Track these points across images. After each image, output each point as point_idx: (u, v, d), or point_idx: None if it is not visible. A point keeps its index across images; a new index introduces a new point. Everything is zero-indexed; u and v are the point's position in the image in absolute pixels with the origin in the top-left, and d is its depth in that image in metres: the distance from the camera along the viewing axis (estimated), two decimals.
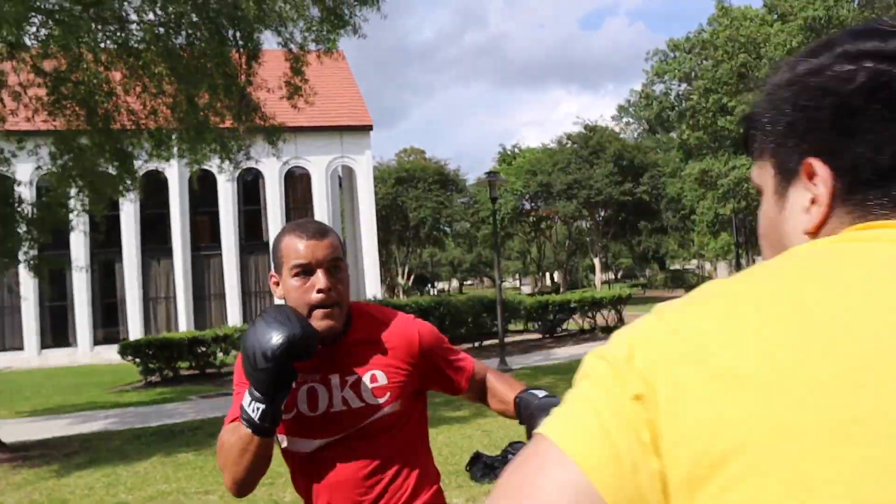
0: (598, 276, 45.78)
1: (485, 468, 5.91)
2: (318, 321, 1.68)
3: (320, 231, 1.74)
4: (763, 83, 0.74)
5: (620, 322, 18.80)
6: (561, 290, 42.46)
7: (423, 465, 1.86)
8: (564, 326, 20.02)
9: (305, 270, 1.69)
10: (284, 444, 1.81)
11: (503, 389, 1.91)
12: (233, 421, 1.68)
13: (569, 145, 41.11)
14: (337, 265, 1.72)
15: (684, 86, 23.27)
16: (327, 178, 24.17)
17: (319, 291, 1.68)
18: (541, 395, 1.81)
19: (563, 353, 16.00)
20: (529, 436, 1.60)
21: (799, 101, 0.66)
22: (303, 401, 1.75)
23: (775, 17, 20.99)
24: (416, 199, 38.33)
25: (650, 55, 23.98)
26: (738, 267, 37.83)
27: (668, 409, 0.53)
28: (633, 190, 38.58)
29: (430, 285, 54.91)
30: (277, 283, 1.78)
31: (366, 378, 1.75)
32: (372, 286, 23.88)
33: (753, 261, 37.98)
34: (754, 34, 20.17)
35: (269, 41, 10.13)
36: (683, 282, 46.88)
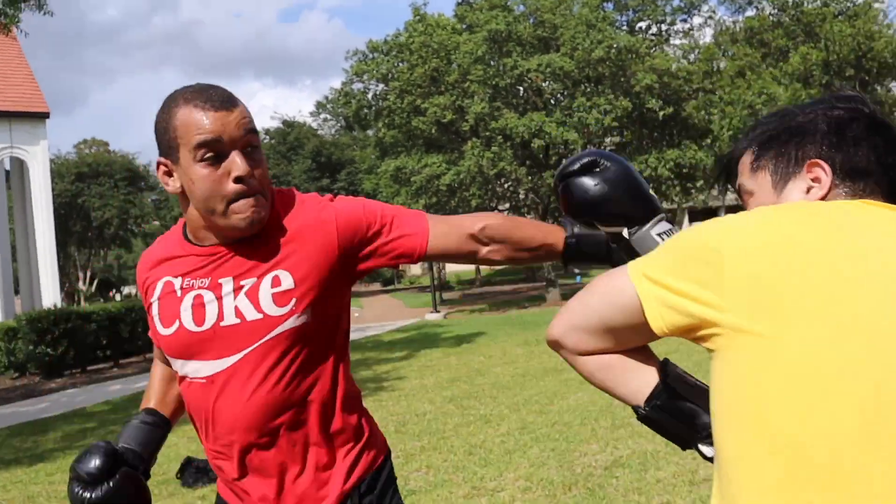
0: None
1: (197, 472, 5.62)
2: (240, 216, 1.34)
3: (229, 99, 1.35)
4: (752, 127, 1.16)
5: None
6: None
7: (346, 401, 1.48)
8: None
9: (216, 153, 1.32)
10: (175, 367, 1.49)
11: (532, 231, 1.53)
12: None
13: (266, 140, 40.48)
14: (252, 142, 1.36)
15: (382, 86, 24.17)
16: None
17: (238, 180, 1.32)
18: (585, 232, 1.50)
19: None
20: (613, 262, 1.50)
21: (806, 126, 1.07)
22: (187, 311, 1.40)
23: (464, 27, 22.69)
24: (101, 197, 34.94)
25: (350, 55, 24.52)
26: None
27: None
28: (330, 186, 39.19)
29: (115, 290, 50.41)
30: (170, 173, 1.39)
31: (266, 281, 1.38)
32: (49, 293, 21.27)
33: None
34: (446, 42, 21.60)
35: None
36: (379, 276, 48.66)
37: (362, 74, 24.24)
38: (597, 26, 20.56)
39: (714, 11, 23.72)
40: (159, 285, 1.48)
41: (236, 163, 1.31)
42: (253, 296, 1.37)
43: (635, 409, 1.16)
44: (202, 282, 1.41)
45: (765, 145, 1.11)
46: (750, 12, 22.85)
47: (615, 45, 20.36)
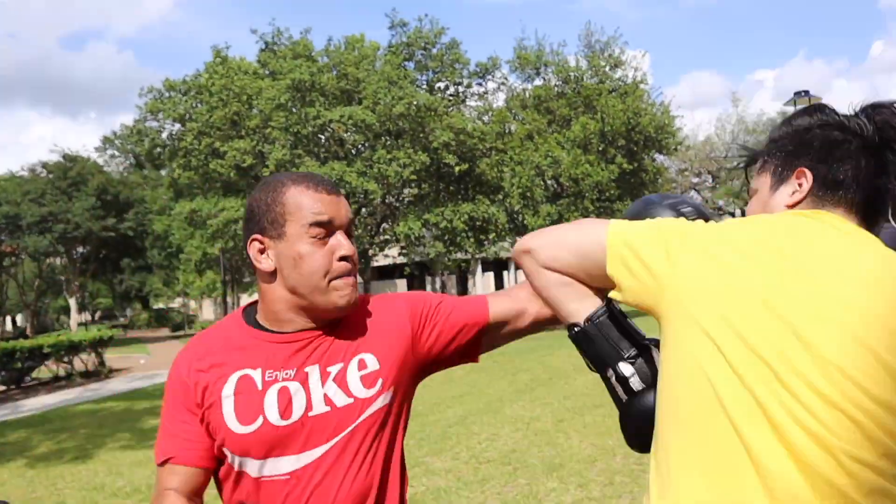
0: (74, 318, 42.21)
1: None
2: (340, 293, 1.37)
3: (336, 185, 1.42)
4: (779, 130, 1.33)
5: (101, 365, 17.90)
6: (29, 334, 37.90)
7: (401, 477, 1.47)
8: (35, 375, 18.17)
9: (326, 232, 1.37)
10: (238, 468, 1.37)
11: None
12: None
13: (44, 174, 37.25)
14: (351, 228, 1.43)
15: (178, 126, 23.32)
16: None
17: (343, 259, 1.37)
18: None
19: (34, 403, 14.42)
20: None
21: (807, 140, 1.26)
22: (272, 406, 1.35)
23: (267, 73, 22.60)
24: None
25: (144, 91, 23.43)
26: (225, 304, 39.17)
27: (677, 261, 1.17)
28: (116, 226, 36.78)
29: None
30: (264, 251, 1.39)
31: (353, 364, 1.40)
32: None
33: (238, 298, 39.45)
34: (248, 86, 21.37)
35: None
36: (168, 321, 46.04)
37: (157, 112, 23.30)
38: (398, 83, 21.37)
39: (506, 78, 25.56)
40: (232, 380, 1.38)
41: (342, 243, 1.38)
42: (341, 381, 1.39)
43: (572, 325, 1.34)
44: (287, 373, 1.37)
45: (772, 152, 1.31)
46: (538, 82, 24.83)
47: (415, 102, 21.25)
